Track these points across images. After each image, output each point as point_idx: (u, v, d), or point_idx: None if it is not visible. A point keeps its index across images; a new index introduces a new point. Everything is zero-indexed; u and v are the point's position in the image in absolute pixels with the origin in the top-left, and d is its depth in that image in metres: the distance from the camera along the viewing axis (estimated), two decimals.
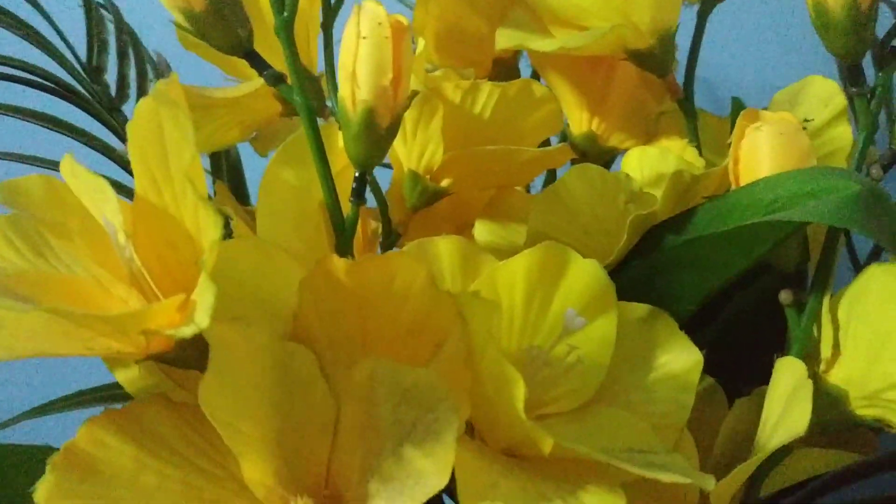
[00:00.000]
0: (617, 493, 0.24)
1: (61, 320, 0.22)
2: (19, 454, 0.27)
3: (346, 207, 0.27)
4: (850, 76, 0.26)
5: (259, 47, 0.28)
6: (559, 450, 0.24)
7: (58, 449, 0.22)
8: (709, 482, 0.24)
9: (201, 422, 0.24)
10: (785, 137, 0.26)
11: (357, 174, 0.27)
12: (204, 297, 0.19)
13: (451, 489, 0.27)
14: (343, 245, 0.28)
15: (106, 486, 0.22)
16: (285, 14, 0.26)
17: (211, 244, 0.19)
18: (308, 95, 0.26)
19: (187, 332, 0.20)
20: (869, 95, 0.26)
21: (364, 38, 0.24)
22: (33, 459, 0.25)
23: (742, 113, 0.27)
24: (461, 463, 0.23)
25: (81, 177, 0.22)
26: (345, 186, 0.28)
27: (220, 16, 0.26)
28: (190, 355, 0.23)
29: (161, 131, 0.21)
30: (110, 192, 0.22)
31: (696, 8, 0.36)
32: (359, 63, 0.25)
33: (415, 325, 0.25)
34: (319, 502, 0.24)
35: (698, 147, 0.34)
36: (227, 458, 0.24)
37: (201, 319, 0.19)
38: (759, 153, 0.27)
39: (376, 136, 0.26)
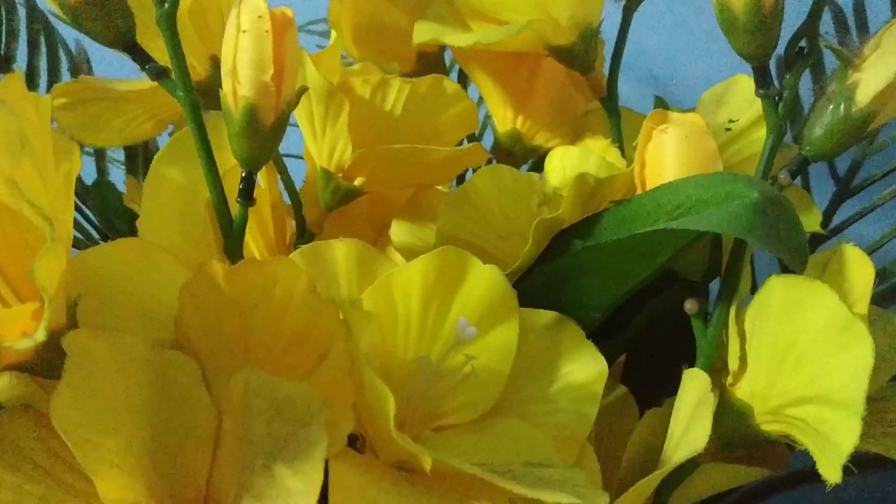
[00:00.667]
0: None
1: None
2: None
3: (235, 208, 0.26)
4: (757, 78, 0.25)
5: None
6: (442, 465, 0.23)
7: None
8: (601, 500, 0.23)
9: None
10: (690, 140, 0.25)
11: (244, 174, 0.26)
12: (47, 308, 0.18)
13: None
14: (232, 247, 0.26)
15: None
16: (166, 6, 0.24)
17: (42, 252, 0.18)
18: (191, 90, 0.25)
19: (23, 345, 0.18)
20: (777, 98, 0.25)
21: (244, 31, 0.23)
22: None
23: (649, 115, 0.26)
24: (338, 480, 0.22)
25: None
26: (234, 186, 0.27)
27: (97, 5, 0.24)
28: (55, 362, 0.22)
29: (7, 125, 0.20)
30: None
31: (622, 4, 0.34)
32: (239, 58, 0.23)
33: (297, 333, 0.24)
34: None
35: (621, 146, 0.33)
36: None
37: (39, 334, 0.18)
38: (664, 156, 0.26)
39: (260, 135, 0.24)
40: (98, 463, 0.21)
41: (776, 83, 0.25)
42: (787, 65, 0.25)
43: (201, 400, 0.24)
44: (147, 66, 0.25)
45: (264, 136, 0.24)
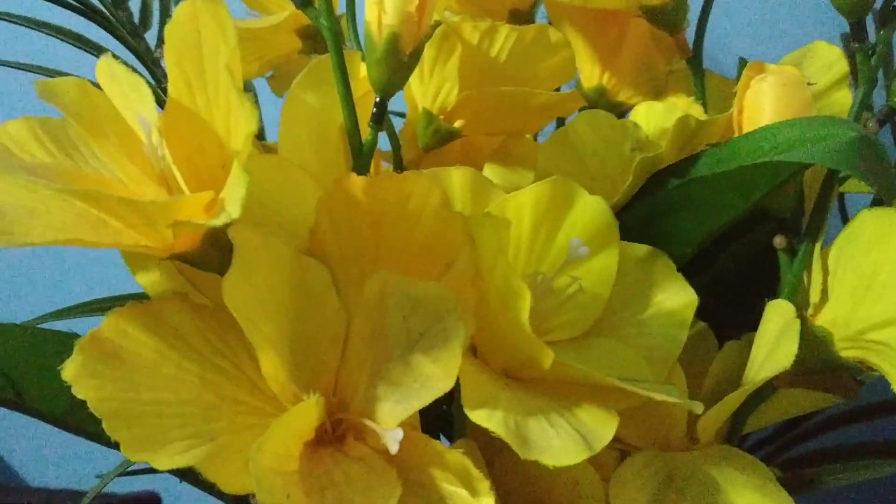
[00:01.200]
0: (611, 413, 0.25)
1: (93, 211, 0.23)
2: (44, 338, 0.28)
3: (366, 132, 0.28)
4: (853, 32, 0.27)
5: None
6: (558, 370, 0.25)
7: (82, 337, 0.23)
8: (698, 407, 0.26)
9: (219, 322, 0.25)
10: (787, 88, 0.28)
11: (377, 99, 0.28)
12: (236, 188, 0.20)
13: (451, 404, 0.28)
14: (361, 167, 0.29)
15: (128, 371, 0.23)
16: None
17: (246, 136, 0.20)
18: (334, 21, 0.27)
19: (219, 221, 0.21)
20: (870, 52, 0.27)
21: None
22: (60, 343, 0.27)
23: (748, 64, 0.29)
24: (465, 374, 0.25)
25: (120, 76, 0.23)
26: (364, 113, 0.29)
27: None
28: (212, 256, 0.25)
29: (198, 35, 0.22)
30: (147, 90, 0.23)
31: None
32: None
33: (427, 243, 0.26)
34: (328, 405, 0.25)
35: (704, 105, 0.36)
36: (242, 358, 0.25)
37: (233, 210, 0.20)
38: (762, 103, 0.28)
39: (399, 63, 0.27)
40: (260, 341, 0.23)
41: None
42: (883, 20, 0.27)
43: (332, 302, 0.26)
44: None
45: (402, 64, 0.27)
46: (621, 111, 0.39)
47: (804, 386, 0.29)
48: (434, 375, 0.23)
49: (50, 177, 0.24)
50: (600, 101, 0.38)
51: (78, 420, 0.22)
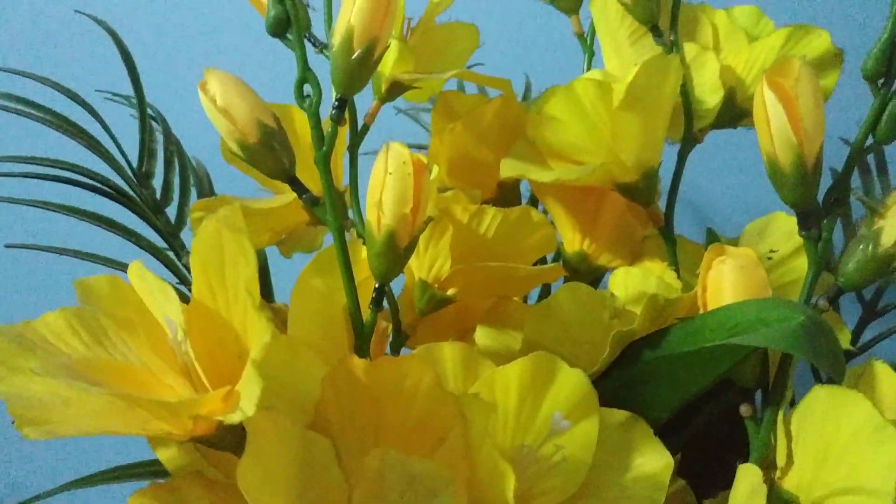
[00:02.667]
0: None
1: (121, 402, 0.26)
2: None
3: (366, 313, 0.31)
4: (800, 221, 0.30)
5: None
6: None
7: None
8: None
9: (230, 497, 0.28)
10: (745, 270, 0.31)
11: (377, 285, 0.31)
12: (251, 388, 0.23)
13: None
14: (361, 346, 0.32)
15: None
16: (324, 148, 0.31)
17: (262, 346, 0.23)
18: (339, 217, 0.31)
19: (235, 418, 0.23)
20: (817, 238, 0.31)
21: (390, 173, 0.29)
22: None
23: (710, 247, 0.32)
24: None
25: (149, 281, 0.26)
26: (365, 294, 0.32)
27: (269, 148, 0.30)
28: (229, 439, 0.27)
29: (221, 249, 0.25)
30: (173, 294, 0.26)
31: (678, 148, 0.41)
32: (385, 194, 0.29)
33: (422, 419, 0.29)
34: None
35: (677, 270, 0.39)
36: None
37: (248, 408, 0.23)
38: (723, 283, 0.31)
39: (396, 255, 0.30)
40: None
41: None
42: (825, 212, 0.30)
43: (335, 475, 0.29)
44: (304, 196, 0.31)
45: (399, 256, 0.30)
46: (602, 273, 0.42)
47: None
48: None
49: (85, 369, 0.26)
50: (582, 265, 0.41)
51: None
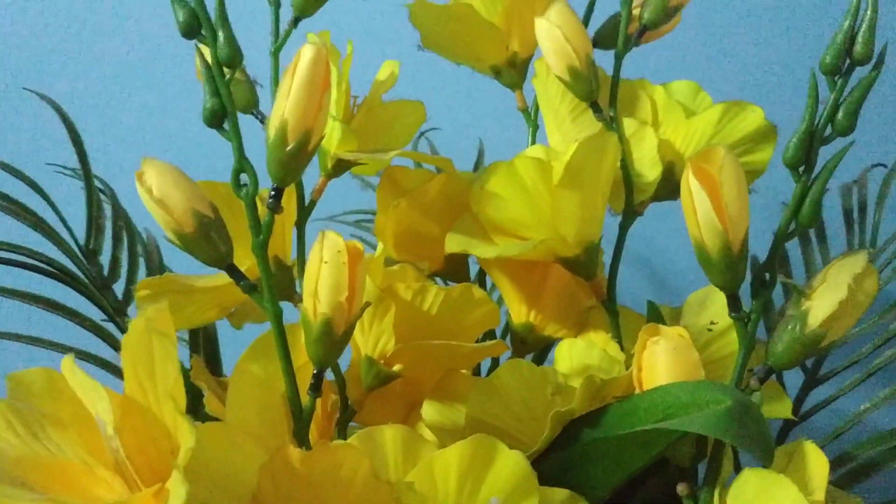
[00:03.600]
0: None
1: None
2: None
3: (305, 399, 0.32)
4: (730, 303, 0.31)
5: (235, 238, 0.33)
6: None
7: None
8: None
9: None
10: (678, 352, 0.31)
11: (315, 371, 0.31)
12: (177, 491, 0.23)
13: None
14: (300, 432, 0.32)
15: None
16: (261, 236, 0.31)
17: (186, 450, 0.23)
18: (276, 304, 0.31)
19: None
20: (746, 319, 0.31)
21: (325, 262, 0.29)
22: None
23: (644, 327, 0.32)
24: None
25: (79, 377, 0.26)
26: (305, 378, 0.32)
27: (206, 237, 0.31)
28: None
29: (150, 348, 0.26)
30: (102, 392, 0.26)
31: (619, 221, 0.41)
32: (320, 283, 0.30)
33: None
34: None
35: (620, 342, 0.39)
36: None
37: None
38: (656, 363, 0.32)
39: (332, 342, 0.30)
40: None
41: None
42: (754, 294, 0.31)
43: None
44: (241, 283, 0.31)
45: (336, 342, 0.30)
46: (549, 343, 0.43)
47: None
48: None
49: (16, 468, 0.26)
50: (529, 336, 0.42)
51: None
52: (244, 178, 0.31)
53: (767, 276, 0.31)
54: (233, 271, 0.31)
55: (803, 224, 0.30)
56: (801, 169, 0.30)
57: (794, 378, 0.46)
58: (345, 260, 0.30)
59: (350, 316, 0.30)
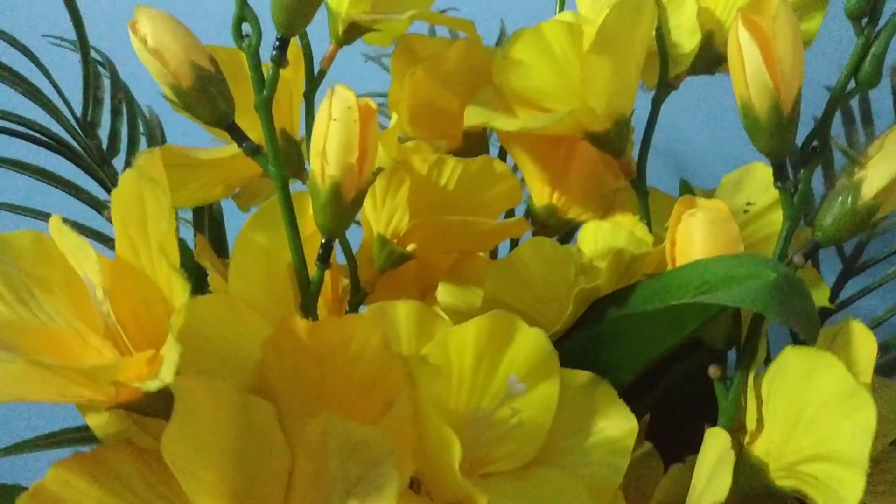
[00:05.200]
0: None
1: (40, 369, 0.24)
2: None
3: (312, 270, 0.29)
4: (776, 172, 0.28)
5: (241, 111, 0.31)
6: None
7: (27, 488, 0.24)
8: None
9: (163, 467, 0.26)
10: (715, 224, 0.29)
11: (323, 240, 0.29)
12: (170, 355, 0.21)
13: None
14: (308, 304, 0.30)
15: None
16: (265, 93, 0.28)
17: (179, 308, 0.21)
18: (282, 167, 0.29)
19: (153, 385, 0.22)
20: (793, 190, 0.29)
21: (335, 119, 0.27)
22: (4, 498, 0.27)
23: (680, 199, 0.30)
24: None
25: (67, 237, 0.24)
26: (313, 250, 0.30)
27: (205, 92, 0.28)
28: (157, 405, 0.25)
29: (142, 201, 0.23)
30: (91, 252, 0.24)
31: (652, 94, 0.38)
32: (329, 142, 0.27)
33: (368, 383, 0.27)
34: None
35: (648, 223, 0.37)
36: (184, 500, 0.26)
37: (166, 375, 0.21)
38: (692, 237, 0.29)
39: (342, 208, 0.28)
40: (198, 492, 0.24)
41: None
42: (803, 161, 0.28)
43: (278, 440, 0.27)
44: (244, 145, 0.29)
45: (346, 209, 0.28)
46: (572, 227, 0.40)
47: None
48: None
49: (2, 332, 0.24)
50: (550, 219, 0.39)
51: None
52: (246, 27, 0.28)
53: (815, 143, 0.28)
54: (234, 131, 0.29)
55: (863, 83, 0.27)
56: (863, 21, 0.27)
57: (831, 268, 0.44)
58: (355, 117, 0.27)
59: (361, 180, 0.28)
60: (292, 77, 0.38)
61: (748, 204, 0.36)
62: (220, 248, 0.43)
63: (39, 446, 0.32)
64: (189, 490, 0.24)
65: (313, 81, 0.38)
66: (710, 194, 0.39)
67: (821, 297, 0.36)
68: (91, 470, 0.25)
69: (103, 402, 0.25)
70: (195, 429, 0.24)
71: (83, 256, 0.24)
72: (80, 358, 0.25)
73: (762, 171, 0.37)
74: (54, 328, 0.26)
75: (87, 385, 0.24)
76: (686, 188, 0.36)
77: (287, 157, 0.37)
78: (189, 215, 0.43)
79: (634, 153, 0.38)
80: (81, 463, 0.24)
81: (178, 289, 0.22)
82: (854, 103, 0.45)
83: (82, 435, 0.32)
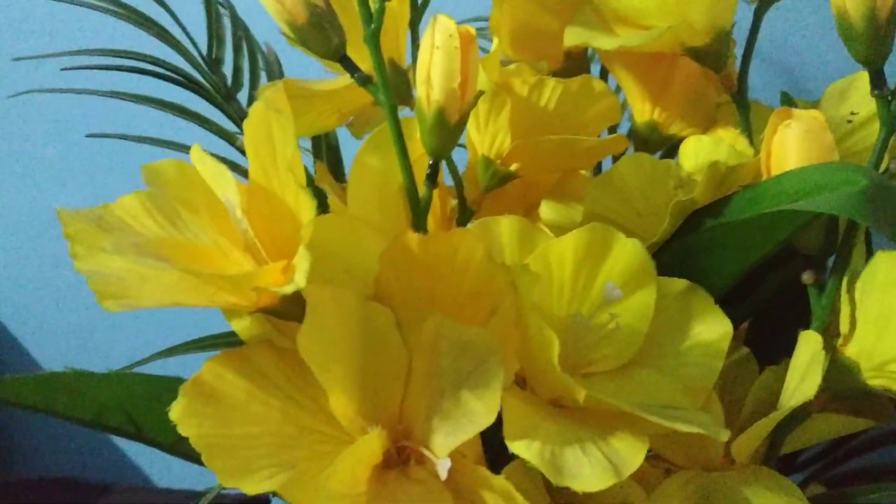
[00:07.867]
0: (642, 440, 0.28)
1: (191, 278, 0.28)
2: (156, 383, 0.33)
3: (422, 189, 0.32)
4: (872, 79, 0.29)
5: (351, 43, 0.33)
6: (593, 401, 0.28)
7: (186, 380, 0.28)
8: (723, 434, 0.28)
9: (299, 363, 0.29)
10: (811, 134, 0.29)
11: (431, 162, 0.31)
12: (301, 263, 0.25)
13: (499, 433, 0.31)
14: (418, 222, 0.32)
15: (222, 410, 0.27)
16: (373, 26, 0.30)
17: (307, 222, 0.24)
18: (391, 95, 0.31)
19: (289, 289, 0.25)
20: (889, 97, 0.29)
21: (437, 48, 0.29)
22: (167, 388, 0.31)
23: (776, 111, 0.31)
24: (509, 407, 0.28)
25: (207, 163, 0.28)
26: (422, 171, 0.33)
27: (319, 27, 0.30)
28: (292, 309, 0.29)
29: (270, 130, 0.26)
30: (230, 176, 0.27)
31: (754, 6, 0.38)
32: (433, 70, 0.29)
33: (474, 291, 0.30)
34: (393, 433, 0.29)
35: (750, 137, 0.37)
36: (319, 394, 0.29)
37: (300, 280, 0.24)
38: (787, 148, 0.30)
39: (447, 131, 0.30)
40: (330, 383, 0.27)
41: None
42: None
43: (396, 341, 0.30)
44: (355, 75, 0.31)
45: (450, 132, 0.30)
46: (674, 143, 0.41)
47: (837, 410, 0.31)
48: (478, 411, 0.27)
49: (156, 248, 0.28)
50: (652, 135, 0.40)
51: (185, 449, 0.27)
52: None
53: None
54: (346, 62, 0.31)
55: None
56: None
57: None
58: (457, 45, 0.29)
59: (464, 104, 0.30)
60: (398, 8, 0.40)
61: (852, 114, 0.36)
62: (337, 173, 0.46)
63: (191, 349, 0.36)
64: (323, 381, 0.27)
65: (417, 10, 0.40)
66: (814, 105, 0.39)
67: None
68: (238, 365, 0.28)
69: (246, 307, 0.28)
70: (325, 329, 0.28)
71: (223, 181, 0.27)
72: (222, 269, 0.29)
73: (867, 81, 0.36)
74: (200, 244, 0.30)
75: (232, 291, 0.27)
76: (787, 99, 0.36)
77: (395, 86, 0.39)
78: (308, 144, 0.46)
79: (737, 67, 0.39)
80: (230, 359, 0.28)
81: (305, 205, 0.25)
82: None
83: (228, 340, 0.36)
